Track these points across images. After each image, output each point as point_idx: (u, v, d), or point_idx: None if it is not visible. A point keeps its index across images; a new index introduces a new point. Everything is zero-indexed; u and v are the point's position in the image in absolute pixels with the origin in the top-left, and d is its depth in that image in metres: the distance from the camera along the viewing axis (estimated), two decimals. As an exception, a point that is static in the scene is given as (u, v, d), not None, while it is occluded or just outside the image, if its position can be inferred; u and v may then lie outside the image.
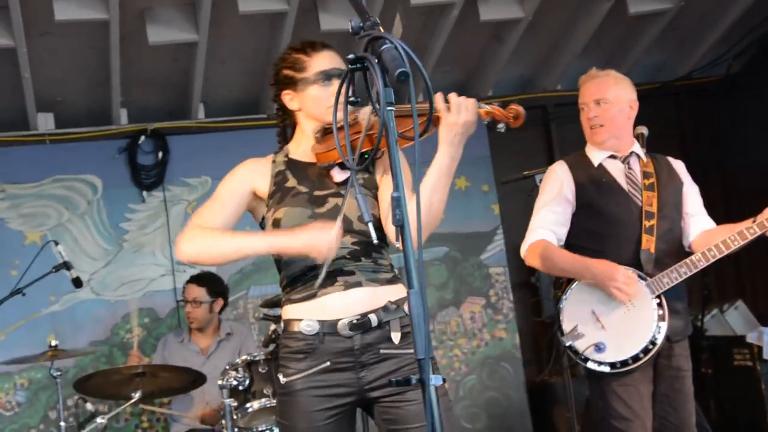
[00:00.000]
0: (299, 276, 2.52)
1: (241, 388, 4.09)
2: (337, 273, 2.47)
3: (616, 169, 3.57)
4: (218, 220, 2.56)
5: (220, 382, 4.07)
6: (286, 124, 2.69)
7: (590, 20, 5.73)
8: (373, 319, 2.46)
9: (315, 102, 2.57)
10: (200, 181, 5.96)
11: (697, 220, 3.60)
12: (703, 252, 3.39)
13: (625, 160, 3.59)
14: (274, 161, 2.63)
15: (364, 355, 2.47)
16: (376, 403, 2.50)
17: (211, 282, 5.16)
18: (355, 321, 2.46)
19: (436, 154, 2.38)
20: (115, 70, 5.28)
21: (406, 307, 2.45)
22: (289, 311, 2.55)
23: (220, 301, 5.16)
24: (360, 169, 2.11)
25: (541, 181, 3.87)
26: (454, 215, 6.03)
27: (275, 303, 4.79)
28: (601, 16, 5.68)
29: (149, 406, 4.97)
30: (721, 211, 3.75)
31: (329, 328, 2.47)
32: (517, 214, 6.30)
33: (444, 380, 2.04)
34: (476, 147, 5.99)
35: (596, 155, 3.59)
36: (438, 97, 2.33)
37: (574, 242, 3.54)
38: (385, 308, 2.47)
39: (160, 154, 5.87)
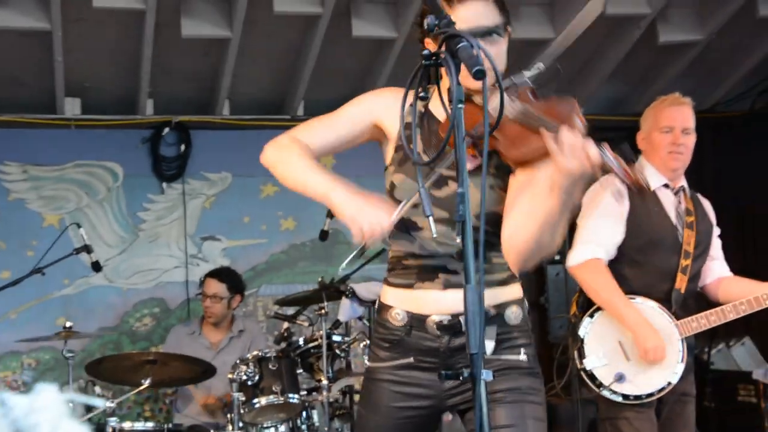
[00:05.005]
0: (401, 259, 2.30)
1: (250, 383, 4.12)
2: (440, 270, 2.24)
3: (667, 200, 3.50)
4: (317, 140, 2.29)
5: (230, 375, 4.10)
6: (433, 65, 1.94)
7: (620, 47, 5.75)
8: (464, 322, 2.14)
9: None
10: (220, 176, 5.99)
11: (716, 265, 3.62)
12: (735, 305, 3.41)
13: (677, 193, 3.52)
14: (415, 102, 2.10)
15: (450, 359, 2.25)
16: (465, 411, 2.30)
17: (230, 278, 5.18)
18: (445, 321, 2.23)
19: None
20: (146, 60, 5.32)
21: (508, 312, 2.25)
22: (384, 294, 2.35)
23: (238, 298, 5.19)
24: (424, 164, 1.97)
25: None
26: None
27: (289, 302, 4.82)
28: (631, 44, 5.69)
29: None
30: (735, 247, 3.76)
31: (417, 322, 2.26)
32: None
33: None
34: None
35: (653, 179, 3.46)
36: (564, 127, 1.93)
37: (609, 263, 3.43)
38: None
39: (183, 147, 5.92)
